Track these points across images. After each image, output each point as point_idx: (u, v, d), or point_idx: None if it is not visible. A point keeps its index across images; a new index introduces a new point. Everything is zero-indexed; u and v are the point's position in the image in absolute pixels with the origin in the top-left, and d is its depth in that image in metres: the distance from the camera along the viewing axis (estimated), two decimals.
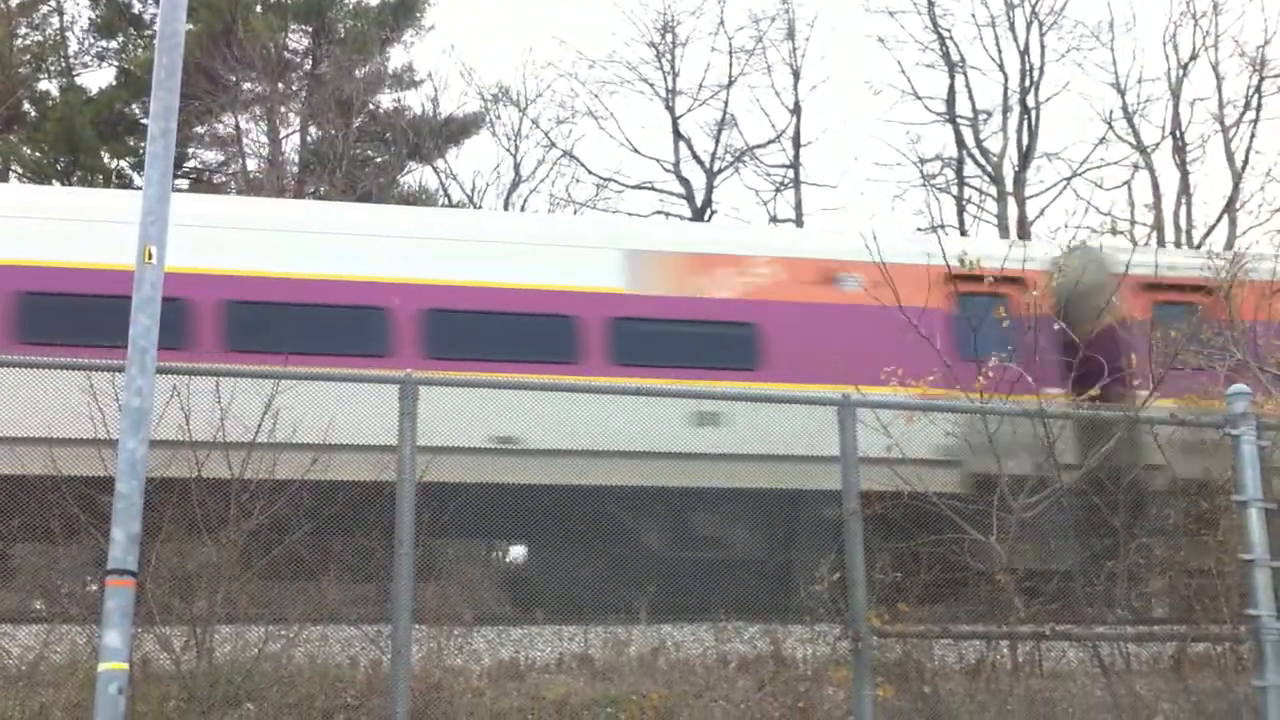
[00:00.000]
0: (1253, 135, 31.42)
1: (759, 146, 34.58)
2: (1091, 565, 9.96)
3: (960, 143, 33.86)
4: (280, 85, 32.06)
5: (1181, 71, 32.21)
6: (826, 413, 8.79)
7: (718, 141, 34.72)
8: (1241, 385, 9.07)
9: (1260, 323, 13.57)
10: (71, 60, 33.95)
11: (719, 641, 11.07)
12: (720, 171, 34.75)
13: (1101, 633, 9.44)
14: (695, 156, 34.70)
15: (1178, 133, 32.41)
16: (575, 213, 33.70)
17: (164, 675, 8.28)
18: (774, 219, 34.12)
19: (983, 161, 33.70)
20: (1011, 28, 33.21)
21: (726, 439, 13.57)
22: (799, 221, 33.40)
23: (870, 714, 8.32)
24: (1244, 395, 8.80)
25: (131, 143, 31.30)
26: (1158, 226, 31.62)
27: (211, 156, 34.09)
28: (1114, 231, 12.11)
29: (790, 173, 34.51)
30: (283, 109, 32.67)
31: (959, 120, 33.82)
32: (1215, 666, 9.43)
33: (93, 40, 34.31)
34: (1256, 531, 8.43)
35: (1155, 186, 32.41)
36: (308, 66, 33.61)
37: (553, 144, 34.64)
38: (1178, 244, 29.71)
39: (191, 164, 33.21)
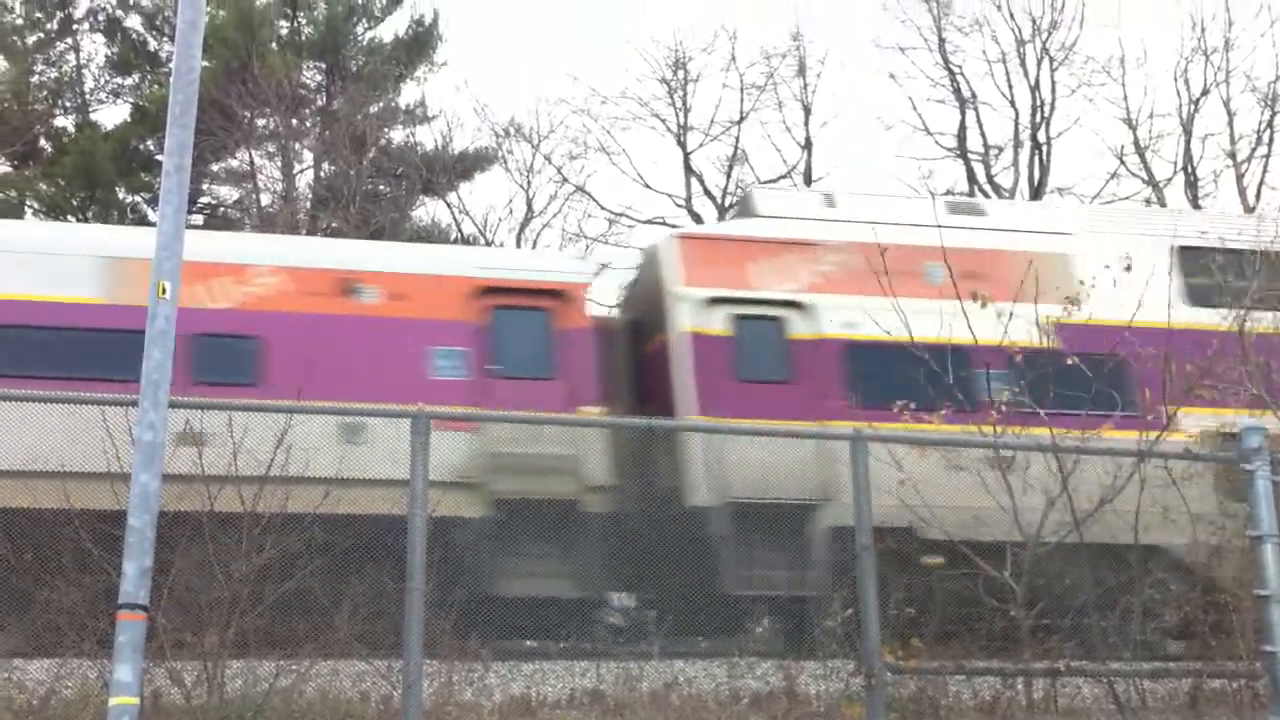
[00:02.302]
0: (1265, 170, 31.47)
1: (771, 182, 34.66)
2: (1106, 601, 9.91)
3: (971, 178, 33.91)
4: (294, 121, 32.22)
5: (1193, 107, 32.28)
6: None
7: (729, 176, 34.84)
8: (1257, 422, 9.04)
9: None
10: (87, 96, 34.19)
11: (732, 677, 11.00)
12: (732, 206, 34.81)
13: (1117, 669, 9.38)
14: (707, 191, 34.82)
15: (1189, 168, 32.44)
16: (587, 248, 33.77)
17: (175, 710, 8.26)
18: None
19: (994, 197, 33.73)
20: (1022, 63, 33.33)
21: None
22: None
23: None
24: (1258, 431, 8.77)
25: (146, 178, 31.46)
26: None
27: (226, 192, 34.30)
28: (1128, 268, 11.98)
29: None
30: (296, 145, 32.85)
31: (970, 155, 33.90)
32: (1231, 703, 9.36)
33: (108, 77, 34.57)
34: (1272, 567, 8.39)
35: None
36: (321, 102, 33.80)
37: (565, 179, 34.75)
38: None
39: (206, 199, 33.39)
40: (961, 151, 33.86)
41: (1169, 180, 32.59)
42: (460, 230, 34.30)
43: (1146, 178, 32.66)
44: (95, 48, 34.52)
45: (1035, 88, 33.16)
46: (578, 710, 10.27)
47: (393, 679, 8.64)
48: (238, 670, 8.52)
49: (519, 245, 33.37)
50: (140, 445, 6.47)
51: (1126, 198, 32.65)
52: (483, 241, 33.67)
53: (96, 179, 30.61)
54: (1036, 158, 33.25)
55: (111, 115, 34.55)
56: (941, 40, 33.72)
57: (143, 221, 28.98)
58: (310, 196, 32.59)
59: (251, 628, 8.43)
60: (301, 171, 33.15)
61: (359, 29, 34.57)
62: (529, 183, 34.79)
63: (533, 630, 12.88)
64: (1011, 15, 33.37)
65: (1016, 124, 33.35)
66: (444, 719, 8.70)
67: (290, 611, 8.65)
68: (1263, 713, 8.69)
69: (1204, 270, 14.31)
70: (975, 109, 33.92)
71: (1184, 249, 14.92)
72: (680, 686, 10.95)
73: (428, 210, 34.85)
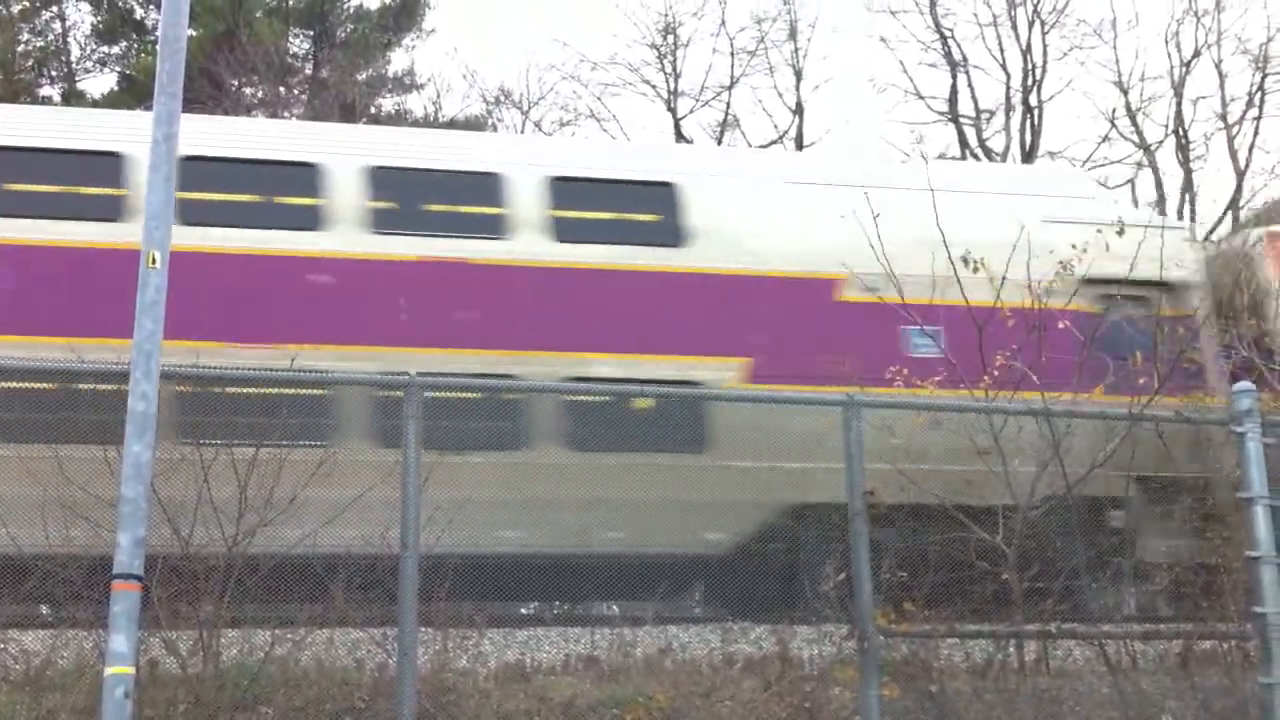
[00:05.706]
0: (1256, 133, 31.53)
1: (762, 147, 34.57)
2: (1098, 564, 9.95)
3: (963, 142, 33.86)
4: (283, 89, 32.09)
5: (1184, 69, 32.26)
6: None
7: (720, 142, 34.73)
8: (1247, 383, 9.07)
9: None
10: (74, 65, 34.01)
11: (725, 642, 11.05)
12: None
13: (1108, 631, 9.44)
14: None
15: (1181, 131, 32.44)
16: None
17: (171, 679, 8.29)
18: None
19: (986, 161, 33.69)
20: (1013, 27, 33.25)
21: None
22: None
23: (876, 713, 8.33)
24: (1249, 393, 8.80)
25: None
26: None
27: None
28: (1121, 231, 11.85)
29: None
30: (285, 113, 32.72)
31: (962, 119, 33.84)
32: (1222, 664, 9.42)
33: (95, 46, 34.37)
34: (1262, 528, 8.44)
35: (1159, 185, 32.46)
36: (310, 70, 33.65)
37: None
38: None
39: None
40: (953, 116, 33.81)
41: (1160, 143, 32.62)
42: None
43: (1138, 141, 32.66)
44: (81, 16, 34.37)
45: (1027, 51, 33.14)
46: (573, 676, 10.32)
47: (388, 647, 8.67)
48: (233, 639, 8.55)
49: None
50: (133, 415, 6.44)
51: (1118, 161, 32.68)
52: None
53: None
54: (1028, 121, 33.25)
55: (98, 84, 34.40)
56: (933, 3, 33.65)
57: None
58: None
59: (247, 598, 8.45)
60: None
61: None
62: None
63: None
64: None
65: (1008, 88, 33.35)
66: (439, 685, 8.73)
67: (286, 580, 8.67)
68: (1253, 673, 8.75)
69: None
70: (967, 73, 33.93)
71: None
72: (674, 652, 11.01)
73: None
